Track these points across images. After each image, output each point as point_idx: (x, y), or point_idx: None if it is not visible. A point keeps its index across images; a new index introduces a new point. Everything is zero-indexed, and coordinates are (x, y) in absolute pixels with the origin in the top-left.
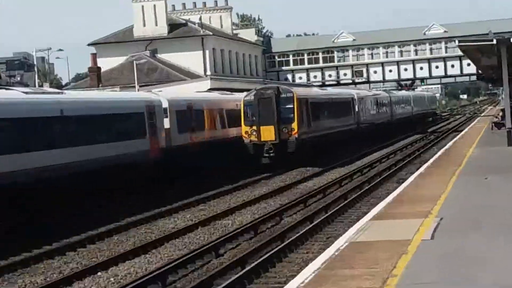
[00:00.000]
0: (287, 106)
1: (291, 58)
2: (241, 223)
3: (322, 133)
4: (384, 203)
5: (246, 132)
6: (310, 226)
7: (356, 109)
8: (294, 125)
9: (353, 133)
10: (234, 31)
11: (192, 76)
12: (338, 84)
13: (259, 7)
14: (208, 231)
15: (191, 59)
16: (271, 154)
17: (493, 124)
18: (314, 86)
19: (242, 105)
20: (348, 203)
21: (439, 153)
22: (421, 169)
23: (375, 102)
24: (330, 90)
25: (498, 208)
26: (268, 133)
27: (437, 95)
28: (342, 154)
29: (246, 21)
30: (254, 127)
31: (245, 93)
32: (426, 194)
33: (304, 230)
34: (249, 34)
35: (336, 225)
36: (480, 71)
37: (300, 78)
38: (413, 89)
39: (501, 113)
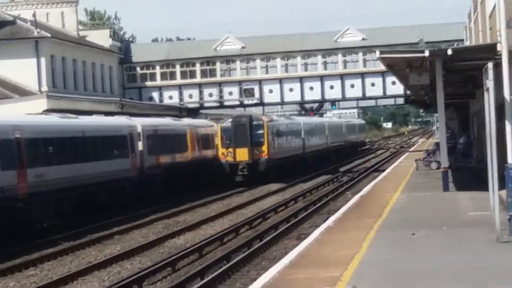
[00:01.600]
0: (259, 132)
1: (158, 70)
2: None
3: (296, 155)
4: (278, 266)
5: (223, 153)
6: None
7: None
8: (264, 147)
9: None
10: (81, 33)
11: (21, 92)
12: (221, 106)
13: (116, 2)
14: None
15: (20, 69)
16: (245, 173)
17: (417, 163)
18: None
19: (219, 131)
20: (231, 266)
21: (354, 199)
22: (329, 221)
23: (288, 131)
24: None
25: (428, 276)
26: (242, 154)
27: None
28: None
29: (97, 19)
30: (230, 149)
31: (222, 121)
32: (334, 255)
33: None
34: (101, 38)
35: None
36: (408, 92)
37: (171, 97)
38: (321, 115)
39: (431, 147)
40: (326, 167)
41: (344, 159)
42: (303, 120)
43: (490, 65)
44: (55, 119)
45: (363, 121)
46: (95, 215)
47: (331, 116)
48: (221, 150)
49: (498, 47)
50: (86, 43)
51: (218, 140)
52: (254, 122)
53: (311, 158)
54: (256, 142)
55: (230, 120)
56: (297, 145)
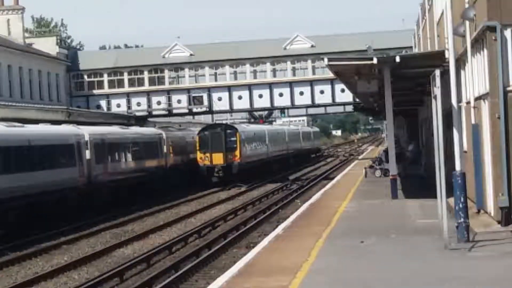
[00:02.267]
0: (232, 139)
1: (106, 78)
2: None
3: (264, 159)
4: (227, 276)
5: (201, 158)
6: None
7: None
8: (237, 152)
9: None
10: (28, 40)
11: None
12: (170, 114)
13: (63, 9)
14: None
15: None
16: (220, 174)
17: (366, 170)
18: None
19: (198, 138)
20: (179, 276)
21: (303, 207)
22: (279, 230)
23: (256, 138)
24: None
25: (377, 283)
26: (218, 158)
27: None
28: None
29: (44, 26)
30: (207, 154)
31: (199, 129)
32: (283, 263)
33: None
34: (48, 45)
35: None
36: (357, 100)
37: (119, 105)
38: (271, 122)
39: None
40: (287, 170)
41: (301, 163)
42: (267, 128)
43: (437, 72)
44: (0, 128)
45: (317, 129)
46: (42, 225)
47: (289, 124)
48: (199, 155)
49: (446, 54)
50: (32, 51)
51: (196, 146)
52: (228, 130)
53: (274, 162)
54: (230, 148)
55: (207, 130)
56: (263, 150)
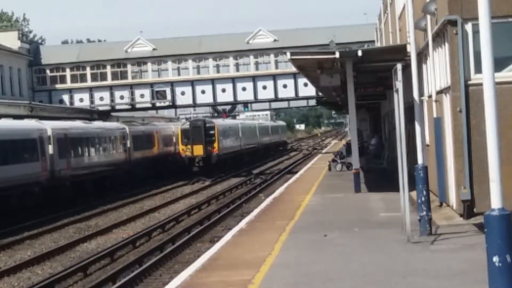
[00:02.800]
0: (211, 132)
1: (68, 73)
2: None
3: (238, 151)
4: (190, 270)
5: (183, 149)
6: None
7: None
8: (215, 144)
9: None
10: None
11: None
12: (133, 109)
13: (24, 3)
14: None
15: None
16: (200, 165)
17: (330, 164)
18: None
19: (179, 131)
20: (143, 271)
21: (267, 201)
22: (242, 224)
23: (231, 131)
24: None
25: (341, 277)
26: (198, 150)
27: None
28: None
29: (5, 21)
30: (189, 146)
31: (180, 123)
32: (247, 258)
33: None
34: (9, 40)
35: None
36: (320, 94)
37: (81, 100)
38: (234, 117)
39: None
40: (257, 162)
41: (271, 155)
42: (240, 122)
43: (399, 66)
44: None
45: (284, 123)
46: (5, 220)
47: (252, 118)
48: (181, 147)
49: (408, 48)
50: None
51: (179, 139)
52: (207, 125)
53: (246, 153)
54: (209, 141)
55: (188, 123)
56: (237, 143)
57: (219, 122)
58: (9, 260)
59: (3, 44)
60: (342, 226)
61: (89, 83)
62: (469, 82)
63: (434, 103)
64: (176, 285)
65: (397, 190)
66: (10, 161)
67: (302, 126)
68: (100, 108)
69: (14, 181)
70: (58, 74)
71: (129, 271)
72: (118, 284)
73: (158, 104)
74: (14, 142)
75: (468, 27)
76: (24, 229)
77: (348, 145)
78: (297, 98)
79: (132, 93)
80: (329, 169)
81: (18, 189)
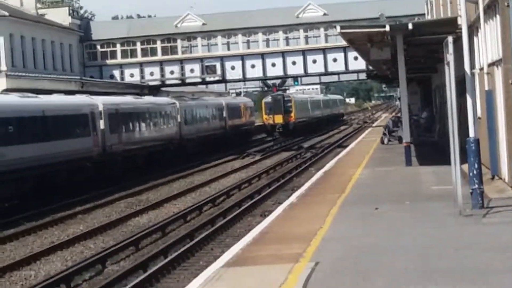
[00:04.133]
0: (288, 104)
1: (118, 48)
2: None
3: (308, 120)
4: (242, 244)
5: (266, 118)
6: (144, 276)
7: None
8: (292, 114)
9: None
10: (40, 12)
11: None
12: (183, 83)
13: None
14: None
15: None
16: (280, 130)
17: (383, 137)
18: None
19: (263, 104)
20: (195, 244)
21: (317, 176)
22: (293, 198)
23: (304, 103)
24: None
25: (391, 250)
26: (278, 118)
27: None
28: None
29: None
30: (271, 116)
31: (265, 98)
32: (297, 231)
33: (134, 283)
34: (60, 16)
35: (178, 274)
36: (370, 67)
37: (132, 75)
38: (284, 91)
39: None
40: (321, 130)
41: (331, 125)
42: (309, 97)
43: (450, 39)
44: (14, 99)
45: (341, 97)
46: (57, 195)
47: (302, 92)
48: (264, 117)
49: (458, 21)
50: (45, 22)
51: (262, 110)
52: (286, 98)
53: (314, 122)
54: (287, 111)
55: (270, 97)
56: (308, 113)
57: (295, 96)
58: (62, 234)
59: (54, 20)
60: (393, 199)
61: (139, 58)
62: None
63: (485, 76)
64: (227, 258)
65: (449, 163)
66: (62, 136)
67: (352, 100)
68: (151, 83)
69: (66, 156)
70: (108, 49)
71: (181, 245)
72: (169, 258)
73: (208, 79)
74: (66, 117)
75: None
76: (76, 204)
77: (394, 119)
78: (347, 72)
79: (182, 68)
80: (381, 142)
81: (70, 164)
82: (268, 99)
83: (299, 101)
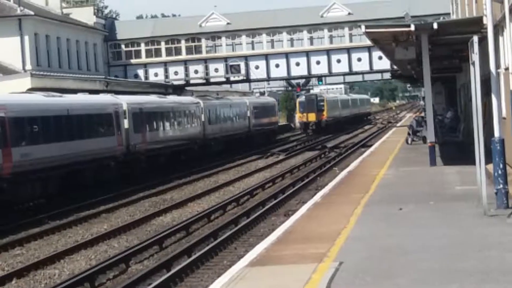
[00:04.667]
0: (321, 103)
1: (143, 47)
2: None
3: (339, 118)
4: (266, 243)
5: (300, 116)
6: (167, 275)
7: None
8: (324, 112)
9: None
10: (65, 11)
11: (5, 71)
12: (207, 83)
13: None
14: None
15: (3, 47)
16: (313, 127)
17: (407, 137)
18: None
19: (297, 103)
20: (218, 244)
21: (341, 175)
22: (317, 197)
23: (335, 102)
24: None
25: (415, 250)
26: (312, 117)
27: (359, 97)
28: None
29: None
30: (304, 114)
31: (299, 98)
32: (321, 231)
33: (157, 283)
34: (85, 15)
35: (201, 274)
36: (395, 67)
37: (156, 74)
38: (308, 90)
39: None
40: (352, 127)
41: (359, 123)
42: (339, 97)
43: (475, 38)
44: (39, 98)
45: (368, 97)
46: (81, 194)
47: (326, 92)
48: (298, 115)
49: (484, 20)
50: (70, 21)
51: (296, 109)
52: (319, 98)
53: (343, 120)
54: (320, 110)
55: (304, 97)
56: (339, 112)
57: (328, 96)
58: (86, 233)
59: (79, 19)
60: (417, 199)
61: (164, 57)
62: None
63: (510, 76)
64: (251, 258)
65: (473, 163)
66: (86, 135)
67: (377, 100)
68: (175, 83)
69: (91, 155)
70: (133, 49)
71: (204, 244)
72: (193, 257)
73: (232, 78)
74: (90, 116)
75: None
76: (100, 203)
77: (417, 119)
78: (371, 71)
79: (207, 68)
80: (406, 142)
81: (95, 163)
82: (302, 98)
83: (331, 101)
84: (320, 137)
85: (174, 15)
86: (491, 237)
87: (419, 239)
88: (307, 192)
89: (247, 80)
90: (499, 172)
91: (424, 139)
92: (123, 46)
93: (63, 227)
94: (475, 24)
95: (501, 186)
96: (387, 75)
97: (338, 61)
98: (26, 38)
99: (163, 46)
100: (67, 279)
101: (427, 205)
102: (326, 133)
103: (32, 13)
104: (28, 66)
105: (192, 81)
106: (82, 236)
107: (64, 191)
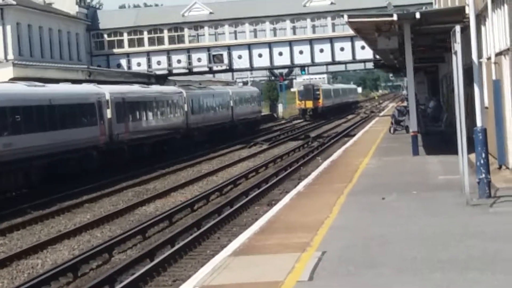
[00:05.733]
0: (317, 92)
1: (126, 37)
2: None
3: (332, 105)
4: (249, 233)
5: (299, 104)
6: (151, 265)
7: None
8: (320, 100)
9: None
10: (47, 0)
11: None
12: (190, 73)
13: None
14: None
15: None
16: (310, 113)
17: (391, 126)
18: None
19: (296, 92)
20: (202, 233)
21: (324, 165)
22: (300, 187)
23: (330, 91)
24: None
25: (398, 239)
26: (309, 104)
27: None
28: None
29: None
30: (303, 101)
31: (297, 87)
32: (304, 220)
33: (141, 272)
34: (67, 5)
35: (185, 263)
36: (377, 57)
37: (139, 64)
38: (290, 80)
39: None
40: (343, 113)
41: (348, 110)
42: (332, 86)
43: (457, 28)
44: (21, 88)
45: (356, 87)
46: (64, 184)
47: (309, 81)
48: (297, 102)
49: (466, 10)
50: (52, 10)
51: (296, 97)
52: (315, 87)
53: (336, 107)
54: (316, 97)
55: (303, 86)
56: (332, 100)
57: (322, 86)
58: (69, 223)
59: (61, 9)
60: (400, 189)
61: (147, 47)
62: None
63: (493, 65)
64: (234, 247)
65: (456, 153)
66: (69, 125)
67: (359, 89)
68: (158, 73)
69: (73, 145)
70: (115, 38)
71: (188, 234)
72: (176, 247)
73: (215, 68)
74: (73, 106)
75: None
76: (83, 192)
77: (399, 109)
78: (354, 61)
79: (189, 57)
80: (390, 131)
81: (77, 153)
82: (301, 87)
83: (325, 90)
84: (305, 127)
85: (156, 5)
86: (474, 226)
87: (402, 228)
88: (290, 182)
89: (230, 69)
90: (482, 161)
91: (407, 128)
92: (105, 35)
93: (46, 217)
94: (458, 14)
95: (484, 175)
96: (369, 65)
97: (321, 50)
98: (8, 27)
99: (145, 35)
100: (50, 269)
101: (410, 194)
102: (322, 118)
103: (14, 2)
104: (10, 56)
105: (175, 71)
106: (65, 226)
107: (47, 181)
